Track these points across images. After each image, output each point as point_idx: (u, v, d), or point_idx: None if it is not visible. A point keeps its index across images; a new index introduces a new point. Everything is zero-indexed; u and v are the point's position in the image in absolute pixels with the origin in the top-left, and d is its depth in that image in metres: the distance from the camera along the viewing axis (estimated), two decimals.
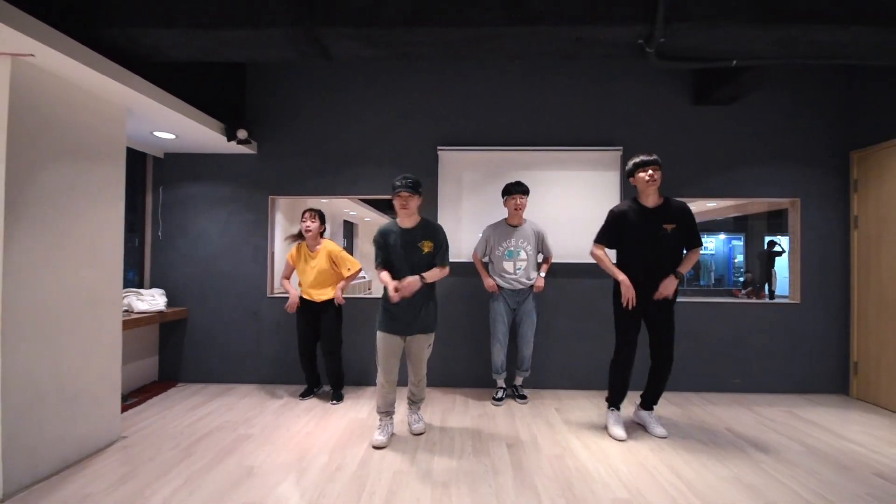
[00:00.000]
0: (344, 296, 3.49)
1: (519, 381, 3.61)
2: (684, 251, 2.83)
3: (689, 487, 2.26)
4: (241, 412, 3.26)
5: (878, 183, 3.56)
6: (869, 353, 3.64)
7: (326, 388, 3.80)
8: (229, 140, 3.46)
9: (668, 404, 3.54)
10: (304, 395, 3.60)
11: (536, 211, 3.77)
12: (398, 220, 2.71)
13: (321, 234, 3.48)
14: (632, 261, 2.80)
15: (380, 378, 2.72)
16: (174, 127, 3.33)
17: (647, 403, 2.99)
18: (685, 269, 2.77)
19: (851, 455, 2.65)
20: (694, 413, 3.34)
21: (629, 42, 2.32)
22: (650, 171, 2.70)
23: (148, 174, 4.00)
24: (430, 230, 2.68)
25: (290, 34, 2.30)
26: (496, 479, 2.32)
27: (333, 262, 3.44)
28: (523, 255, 3.39)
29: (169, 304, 3.91)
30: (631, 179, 2.82)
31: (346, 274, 3.45)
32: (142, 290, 3.68)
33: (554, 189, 3.86)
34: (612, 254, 2.96)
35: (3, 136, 2.13)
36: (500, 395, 3.51)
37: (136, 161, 3.93)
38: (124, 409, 3.31)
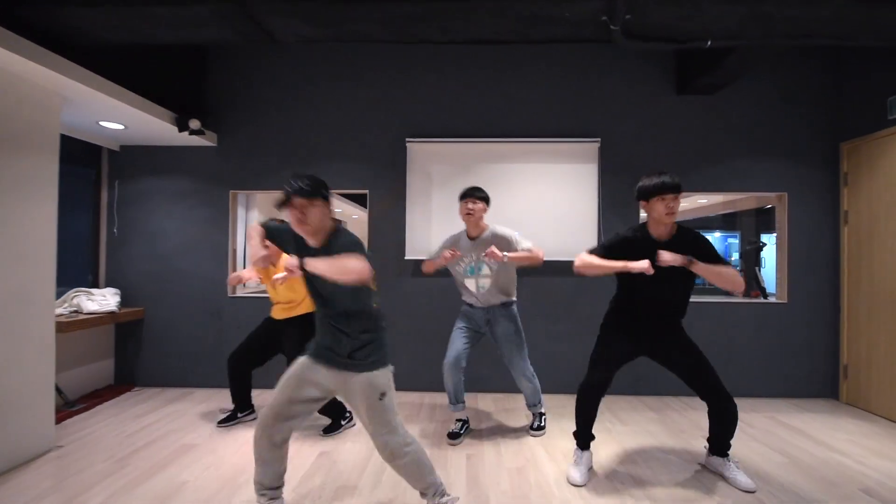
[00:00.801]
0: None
1: (533, 422, 2.95)
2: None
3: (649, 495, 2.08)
4: (191, 419, 3.08)
5: (869, 176, 3.36)
6: (859, 355, 3.45)
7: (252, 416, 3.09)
8: (181, 130, 3.27)
9: (645, 409, 3.36)
10: (222, 422, 2.95)
11: (510, 206, 3.58)
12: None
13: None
14: (635, 301, 2.28)
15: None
16: (121, 117, 3.14)
17: (716, 448, 2.38)
18: (705, 268, 2.08)
19: (837, 468, 2.46)
20: (671, 419, 3.16)
21: (591, 19, 2.13)
22: (670, 203, 2.11)
23: (103, 168, 3.81)
24: (342, 244, 1.72)
25: (220, 11, 2.10)
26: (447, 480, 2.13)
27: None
28: (486, 270, 2.72)
29: (124, 304, 3.72)
30: (642, 203, 2.23)
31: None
32: (93, 290, 3.50)
33: (529, 182, 3.67)
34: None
35: None
36: (456, 428, 2.80)
37: (90, 154, 3.74)
38: (69, 415, 3.13)
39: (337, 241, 1.73)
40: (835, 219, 3.62)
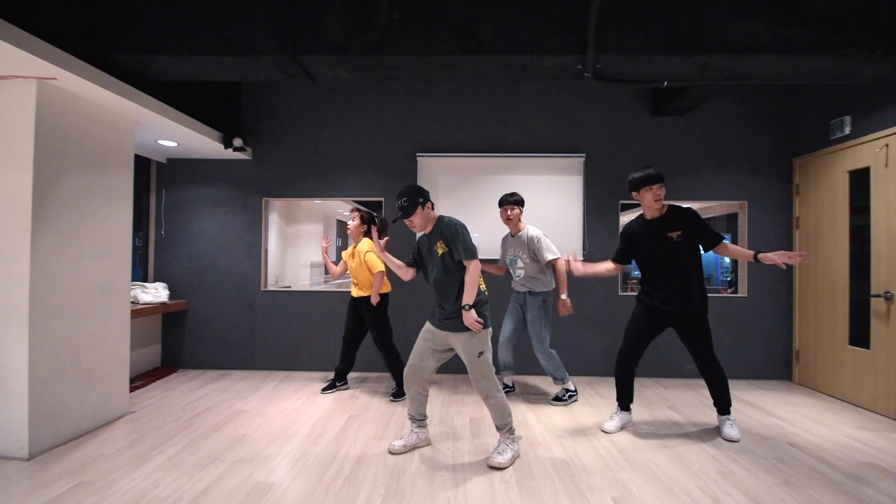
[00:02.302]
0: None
1: (555, 389, 3.65)
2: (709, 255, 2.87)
3: (620, 451, 2.62)
4: (236, 393, 3.63)
5: (815, 187, 3.92)
6: (808, 341, 4.00)
7: (347, 385, 3.79)
8: (226, 147, 3.83)
9: None
10: (325, 389, 3.64)
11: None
12: None
13: (364, 234, 3.53)
14: (648, 277, 2.84)
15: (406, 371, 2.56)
16: (176, 136, 3.70)
17: (720, 408, 2.90)
18: (738, 252, 2.70)
19: (773, 428, 3.01)
20: (643, 394, 3.71)
21: (570, 67, 2.69)
22: (657, 192, 2.69)
23: (152, 178, 4.37)
24: (441, 230, 2.42)
25: (276, 60, 2.66)
26: (454, 443, 2.68)
27: (363, 261, 3.43)
28: (520, 263, 3.38)
29: (171, 297, 4.27)
30: (634, 194, 2.79)
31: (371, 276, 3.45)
32: (146, 284, 4.05)
33: (523, 192, 4.18)
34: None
35: (31, 148, 2.50)
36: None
37: (141, 166, 4.30)
38: (131, 390, 3.67)
39: (439, 227, 2.44)
40: (788, 224, 4.17)
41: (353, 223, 3.53)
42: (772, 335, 4.19)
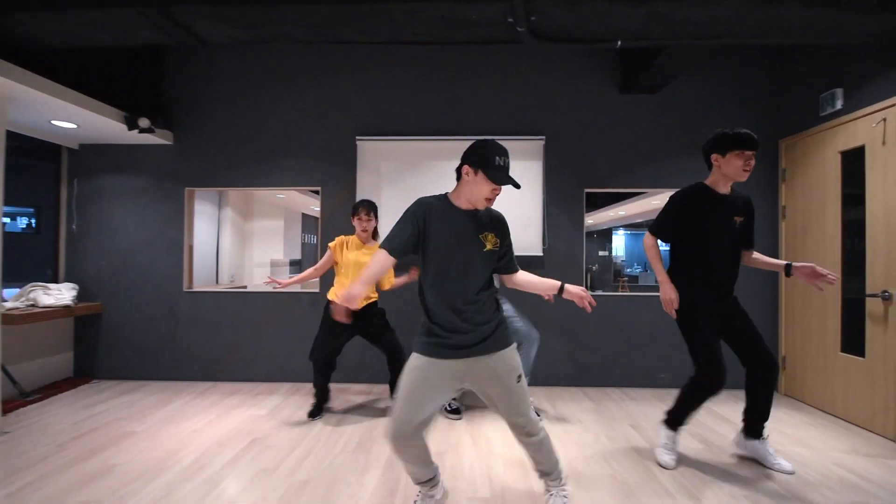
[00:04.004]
0: None
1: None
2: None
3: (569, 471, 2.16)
4: (141, 409, 3.17)
5: (804, 171, 3.45)
6: (795, 347, 3.53)
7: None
8: (130, 129, 3.36)
9: (584, 398, 3.45)
10: (312, 415, 3.00)
11: None
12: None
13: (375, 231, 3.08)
14: (703, 259, 2.23)
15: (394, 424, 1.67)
16: (72, 116, 3.23)
17: (755, 429, 2.38)
18: (767, 262, 2.34)
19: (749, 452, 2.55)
20: (606, 408, 3.25)
21: (500, 21, 2.22)
22: (748, 160, 2.13)
23: (63, 166, 3.91)
24: (492, 217, 1.84)
25: (144, 14, 2.20)
26: (361, 477, 2.22)
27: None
28: None
29: (83, 299, 3.81)
30: (713, 156, 2.21)
31: (386, 287, 3.01)
32: (50, 285, 3.59)
33: None
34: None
35: None
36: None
37: (49, 152, 3.84)
38: (24, 404, 3.22)
39: (489, 212, 1.82)
40: (774, 214, 3.70)
41: (369, 223, 2.95)
42: None
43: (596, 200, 5.56)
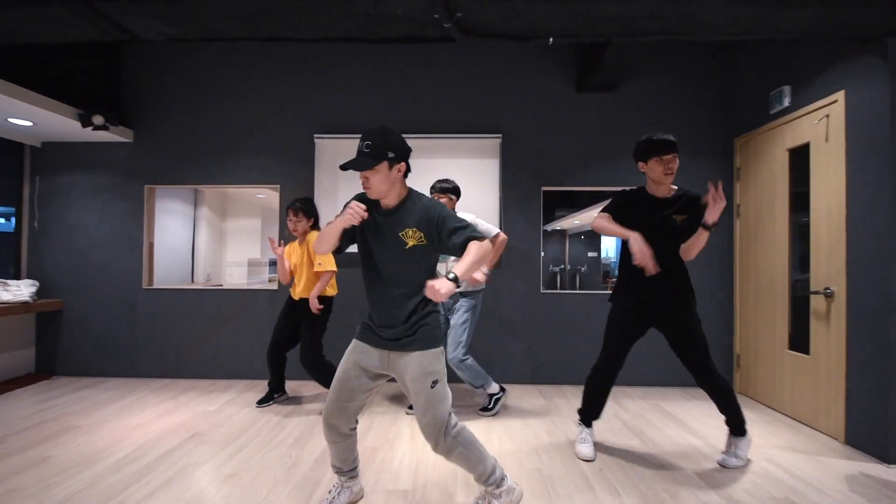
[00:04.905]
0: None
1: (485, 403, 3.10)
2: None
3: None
4: (89, 405, 3.19)
5: (756, 169, 3.45)
6: (748, 346, 3.53)
7: (286, 395, 3.34)
8: (84, 126, 3.39)
9: (537, 395, 3.46)
10: (261, 402, 3.14)
11: None
12: None
13: (312, 227, 3.05)
14: (633, 266, 2.20)
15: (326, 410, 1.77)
16: (26, 114, 3.26)
17: (735, 428, 2.40)
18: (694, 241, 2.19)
19: (685, 449, 2.56)
20: (556, 405, 3.25)
21: (427, 18, 2.23)
22: (669, 164, 2.19)
23: (25, 163, 3.94)
24: (420, 213, 1.71)
25: (72, 10, 2.22)
26: (288, 471, 2.23)
27: (309, 253, 3.00)
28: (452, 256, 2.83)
29: (45, 296, 3.84)
30: (640, 164, 2.30)
31: (316, 269, 2.94)
32: (9, 281, 3.62)
33: (434, 177, 3.75)
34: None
35: None
36: (485, 405, 3.07)
37: (13, 151, 3.88)
38: None
39: (415, 208, 1.72)
40: (730, 212, 3.70)
41: (299, 223, 2.99)
42: (712, 339, 3.67)
43: (582, 201, 5.52)
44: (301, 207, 2.99)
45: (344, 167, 1.64)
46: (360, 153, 1.62)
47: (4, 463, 2.29)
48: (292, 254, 3.08)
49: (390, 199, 1.69)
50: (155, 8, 2.20)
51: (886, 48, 2.43)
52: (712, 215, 2.09)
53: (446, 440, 1.66)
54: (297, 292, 3.04)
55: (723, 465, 2.34)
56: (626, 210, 2.30)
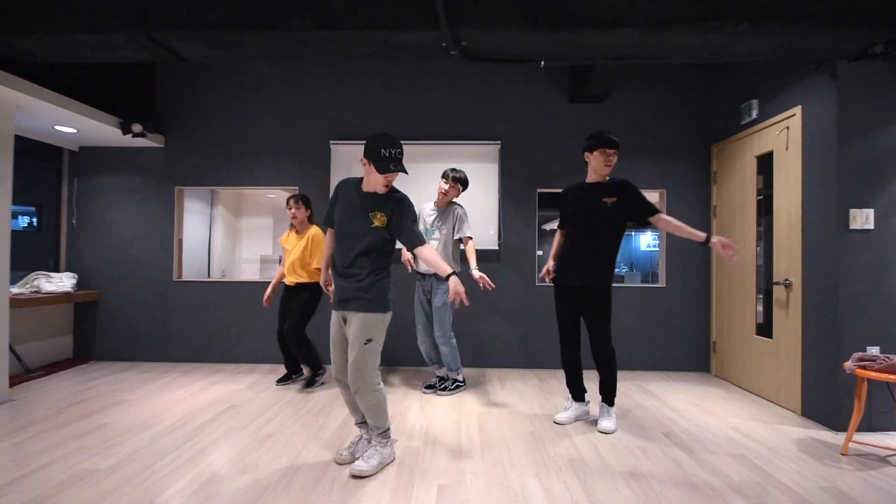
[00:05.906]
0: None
1: (441, 373, 3.44)
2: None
3: (483, 437, 2.55)
4: (130, 384, 3.55)
5: (730, 173, 3.83)
6: (723, 332, 3.91)
7: (303, 374, 3.63)
8: (124, 133, 3.75)
9: (532, 378, 3.82)
10: (280, 381, 3.57)
11: (421, 202, 4.05)
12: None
13: (309, 220, 3.51)
14: (566, 246, 2.76)
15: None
16: (72, 122, 3.63)
17: (605, 396, 2.78)
18: (682, 228, 2.60)
19: (658, 417, 2.93)
20: (548, 385, 3.62)
21: (434, 45, 2.60)
22: (609, 158, 2.63)
23: (64, 166, 4.30)
24: (395, 205, 2.17)
25: (131, 37, 2.58)
26: (317, 433, 2.60)
27: (310, 248, 3.40)
28: (437, 234, 3.27)
29: (82, 287, 4.20)
30: (586, 154, 2.70)
31: (313, 266, 3.39)
32: (52, 274, 3.98)
33: (436, 181, 4.14)
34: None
35: None
36: (432, 382, 3.43)
37: (53, 155, 4.24)
38: (28, 380, 3.60)
39: (390, 198, 2.18)
40: (707, 212, 4.08)
41: (298, 211, 3.44)
42: (691, 326, 4.10)
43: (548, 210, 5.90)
44: (301, 198, 3.49)
45: (405, 171, 2.12)
46: (399, 160, 2.08)
47: (66, 429, 2.64)
48: (288, 242, 3.52)
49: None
50: (206, 36, 2.56)
51: (835, 69, 2.80)
52: (715, 247, 2.48)
53: (366, 390, 2.06)
54: (290, 279, 3.46)
55: (602, 432, 2.66)
56: (567, 199, 2.82)
